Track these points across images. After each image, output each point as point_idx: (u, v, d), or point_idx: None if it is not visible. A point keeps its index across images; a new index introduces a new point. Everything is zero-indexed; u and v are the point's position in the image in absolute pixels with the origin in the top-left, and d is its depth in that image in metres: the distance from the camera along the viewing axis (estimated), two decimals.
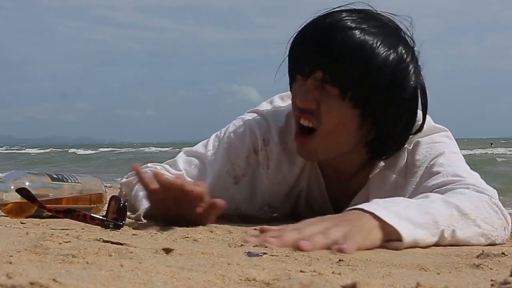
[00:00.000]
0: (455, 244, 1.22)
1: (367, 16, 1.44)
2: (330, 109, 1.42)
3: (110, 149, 33.98)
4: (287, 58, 1.51)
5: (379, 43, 1.40)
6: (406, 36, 1.48)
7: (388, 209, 1.15)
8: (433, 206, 1.22)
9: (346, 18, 1.42)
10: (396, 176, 1.54)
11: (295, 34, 1.49)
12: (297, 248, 1.02)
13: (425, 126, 1.54)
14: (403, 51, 1.43)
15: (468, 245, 1.24)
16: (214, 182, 1.58)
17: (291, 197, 1.67)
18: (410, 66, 1.44)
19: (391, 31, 1.45)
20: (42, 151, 33.38)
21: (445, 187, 1.38)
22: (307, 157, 1.54)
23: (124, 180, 1.69)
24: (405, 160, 1.54)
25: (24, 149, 37.72)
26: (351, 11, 1.45)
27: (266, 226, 1.14)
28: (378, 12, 1.49)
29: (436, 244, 1.19)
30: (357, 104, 1.42)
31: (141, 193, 1.45)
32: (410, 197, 1.39)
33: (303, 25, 1.48)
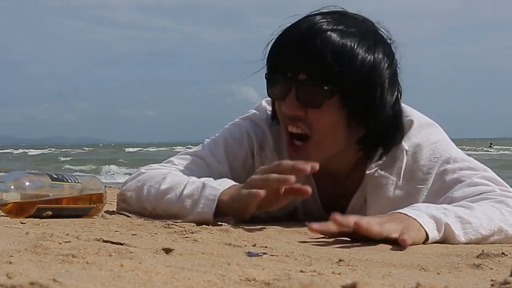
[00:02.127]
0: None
1: (342, 17, 1.45)
2: (319, 113, 1.42)
3: (74, 149, 33.15)
4: (266, 63, 1.50)
5: (357, 42, 1.40)
6: (382, 32, 1.48)
7: (428, 213, 1.25)
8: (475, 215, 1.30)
9: (322, 20, 1.43)
10: (396, 179, 1.52)
11: (273, 40, 1.49)
12: (357, 226, 1.12)
13: (416, 121, 1.55)
14: (379, 47, 1.44)
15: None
16: None
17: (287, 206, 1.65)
18: (385, 62, 1.44)
19: (367, 29, 1.46)
20: None
21: (479, 196, 1.41)
22: None
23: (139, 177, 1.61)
24: (404, 162, 1.52)
25: None
26: (326, 14, 1.46)
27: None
28: (352, 12, 1.49)
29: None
30: (343, 104, 1.42)
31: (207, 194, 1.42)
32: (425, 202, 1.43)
33: (280, 32, 1.48)
